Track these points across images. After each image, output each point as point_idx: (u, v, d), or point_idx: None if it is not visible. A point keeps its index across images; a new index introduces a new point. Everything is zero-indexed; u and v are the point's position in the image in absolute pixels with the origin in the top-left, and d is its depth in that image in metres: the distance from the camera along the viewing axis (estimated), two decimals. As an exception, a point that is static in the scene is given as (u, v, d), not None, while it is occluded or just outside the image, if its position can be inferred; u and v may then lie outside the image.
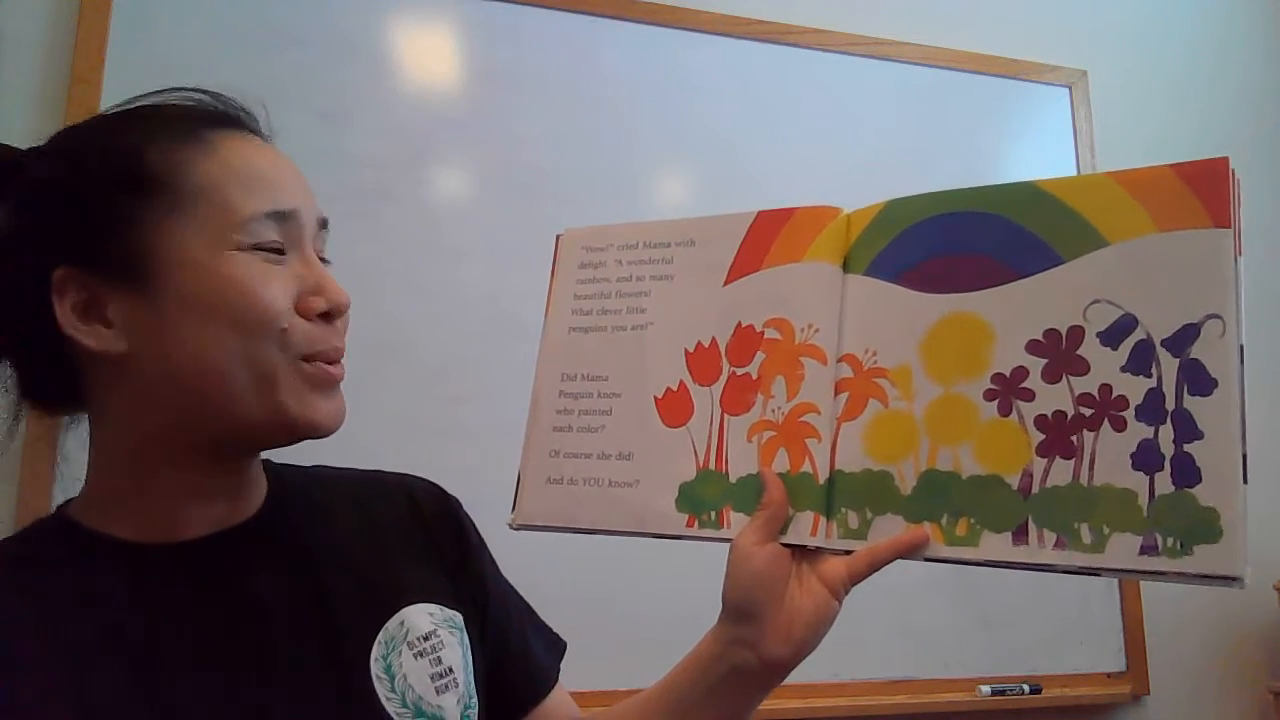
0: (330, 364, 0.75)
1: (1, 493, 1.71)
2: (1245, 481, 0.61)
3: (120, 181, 0.71)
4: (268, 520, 0.78)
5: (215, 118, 0.76)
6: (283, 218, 0.73)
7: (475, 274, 2.06)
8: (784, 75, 2.36)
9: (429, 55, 2.16)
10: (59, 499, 0.78)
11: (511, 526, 0.86)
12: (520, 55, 2.18)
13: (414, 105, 2.11)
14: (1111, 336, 0.67)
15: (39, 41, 1.90)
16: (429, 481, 0.91)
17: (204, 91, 0.78)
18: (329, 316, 0.74)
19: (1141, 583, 2.35)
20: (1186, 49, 2.72)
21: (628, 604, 2.02)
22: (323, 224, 0.79)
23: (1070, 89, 2.55)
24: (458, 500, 0.91)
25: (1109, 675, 2.32)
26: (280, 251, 0.73)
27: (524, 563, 0.94)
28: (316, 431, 0.74)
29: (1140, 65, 2.66)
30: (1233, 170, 0.65)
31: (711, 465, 0.79)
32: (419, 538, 0.85)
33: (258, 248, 0.71)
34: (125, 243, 0.70)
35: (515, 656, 0.89)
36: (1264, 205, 2.42)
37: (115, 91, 1.88)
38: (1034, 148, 2.51)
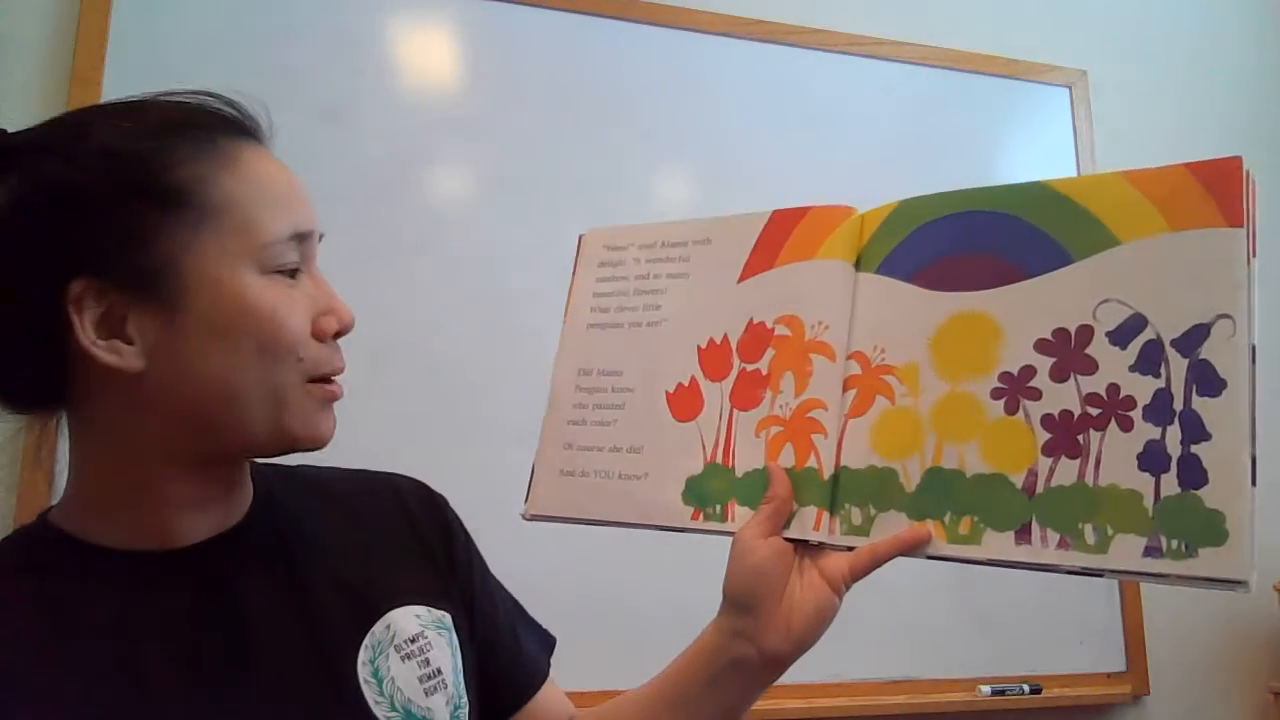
0: (333, 383, 0.75)
1: (1, 496, 1.72)
2: (1254, 484, 0.60)
3: (144, 192, 0.68)
4: (255, 525, 0.78)
5: (232, 126, 0.74)
6: (302, 239, 0.73)
7: (475, 274, 2.06)
8: (784, 75, 2.35)
9: (429, 55, 2.15)
10: (59, 500, 0.77)
11: (524, 517, 0.88)
12: (521, 55, 2.18)
13: (414, 105, 2.10)
14: (1120, 336, 0.66)
15: (39, 41, 1.90)
16: (416, 480, 0.91)
17: (213, 95, 0.76)
18: (340, 334, 0.75)
19: (1142, 583, 2.35)
20: (1186, 49, 2.72)
21: (626, 604, 2.01)
22: (320, 237, 0.78)
23: (1070, 89, 2.55)
24: (444, 498, 0.91)
25: (1109, 675, 2.32)
26: (296, 271, 0.73)
27: (522, 562, 0.93)
28: (316, 446, 0.75)
29: (1140, 65, 2.66)
30: (1247, 171, 0.64)
31: (719, 459, 0.80)
32: (406, 538, 0.85)
33: (279, 270, 0.71)
34: (148, 258, 0.67)
35: (506, 652, 0.89)
36: (1264, 204, 2.38)
37: (115, 91, 1.86)
38: (1034, 148, 2.51)
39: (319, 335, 0.73)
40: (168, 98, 0.74)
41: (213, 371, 0.69)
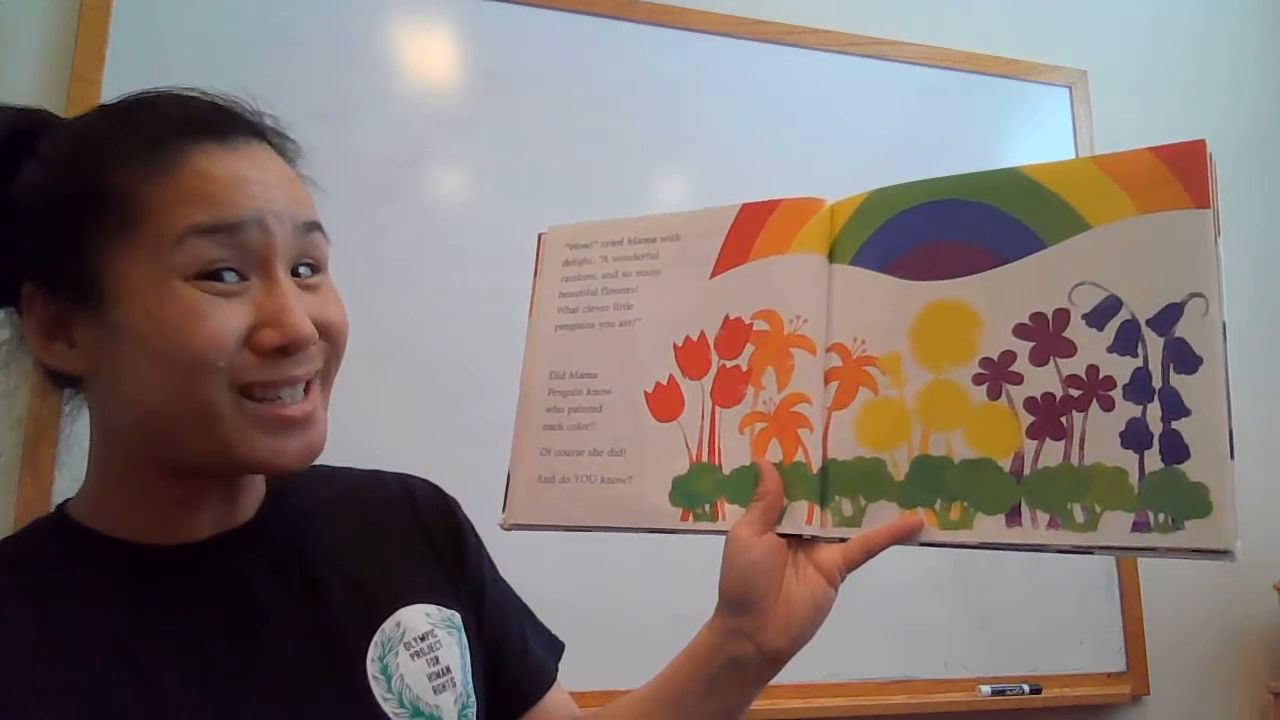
0: (281, 401, 0.69)
1: (1, 492, 1.73)
2: (1232, 457, 0.61)
3: (81, 200, 0.67)
4: (266, 521, 0.78)
5: (195, 125, 0.69)
6: (227, 231, 0.66)
7: (474, 274, 2.06)
8: (784, 75, 2.36)
9: (429, 55, 2.16)
10: (59, 499, 0.77)
11: (503, 527, 0.85)
12: (520, 55, 2.19)
13: (414, 105, 2.11)
14: (1097, 318, 0.67)
15: (39, 41, 1.91)
16: (427, 481, 0.91)
17: (199, 93, 0.73)
18: (286, 351, 0.68)
19: (1141, 583, 2.36)
20: (1186, 48, 2.73)
21: (626, 604, 2.02)
22: (307, 229, 0.71)
23: (1070, 89, 2.55)
24: (456, 500, 0.91)
25: (1109, 675, 2.32)
26: (237, 275, 0.67)
27: (523, 563, 0.93)
28: (267, 471, 0.72)
29: (1140, 65, 2.66)
30: (1210, 153, 0.65)
31: (704, 458, 0.79)
32: (417, 538, 0.85)
33: (204, 275, 0.65)
34: (80, 265, 0.66)
35: (514, 655, 0.89)
36: (1265, 203, 2.34)
37: (115, 91, 1.86)
38: (1034, 148, 2.51)
39: (256, 349, 0.67)
40: (141, 96, 0.73)
41: (134, 385, 0.67)
